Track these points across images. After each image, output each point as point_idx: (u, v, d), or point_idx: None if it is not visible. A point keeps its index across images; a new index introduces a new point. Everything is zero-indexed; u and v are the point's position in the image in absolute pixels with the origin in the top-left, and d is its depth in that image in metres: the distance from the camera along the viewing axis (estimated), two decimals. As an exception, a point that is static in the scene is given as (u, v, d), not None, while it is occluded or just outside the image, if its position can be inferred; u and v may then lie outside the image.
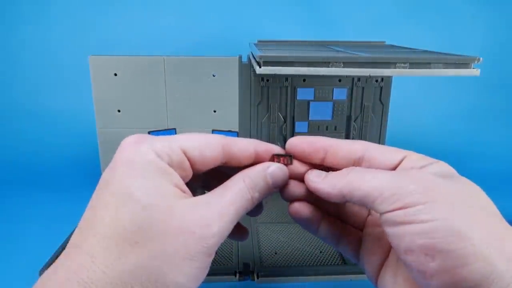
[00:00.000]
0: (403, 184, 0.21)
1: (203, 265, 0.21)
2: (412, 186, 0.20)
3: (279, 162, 0.26)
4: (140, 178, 0.21)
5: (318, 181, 0.25)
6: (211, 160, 0.24)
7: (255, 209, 0.26)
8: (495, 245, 0.19)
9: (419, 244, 0.20)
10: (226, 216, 0.22)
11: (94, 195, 0.22)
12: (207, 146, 0.24)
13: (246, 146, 0.25)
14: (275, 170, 0.25)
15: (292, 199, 0.27)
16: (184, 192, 0.22)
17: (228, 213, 0.22)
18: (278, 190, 0.26)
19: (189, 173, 0.23)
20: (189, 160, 0.23)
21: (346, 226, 0.28)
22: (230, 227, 0.22)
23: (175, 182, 0.22)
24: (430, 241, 0.19)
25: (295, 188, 0.26)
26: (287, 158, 0.26)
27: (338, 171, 0.25)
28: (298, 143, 0.26)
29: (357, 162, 0.25)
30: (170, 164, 0.22)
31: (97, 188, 0.22)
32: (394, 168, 0.24)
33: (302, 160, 0.27)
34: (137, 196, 0.20)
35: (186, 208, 0.21)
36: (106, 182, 0.22)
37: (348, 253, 0.28)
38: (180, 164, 0.23)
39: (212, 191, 0.23)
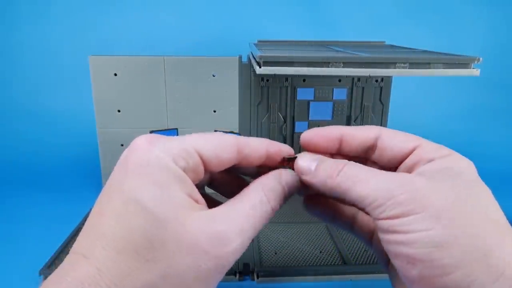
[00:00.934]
0: (392, 194, 0.21)
1: (215, 282, 0.20)
2: (401, 196, 0.21)
3: (288, 165, 0.25)
4: (155, 187, 0.20)
5: (307, 173, 0.24)
6: (226, 162, 0.23)
7: None
8: (476, 256, 0.19)
9: (402, 253, 0.21)
10: (246, 232, 0.21)
11: (102, 198, 0.21)
12: (223, 149, 0.22)
13: (258, 147, 0.24)
14: (290, 179, 0.24)
15: (306, 194, 0.27)
16: (197, 201, 0.21)
17: (248, 228, 0.21)
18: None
19: (201, 176, 0.22)
20: (203, 162, 0.22)
21: (359, 212, 0.28)
22: (248, 243, 0.21)
23: (189, 191, 0.21)
24: (411, 250, 0.20)
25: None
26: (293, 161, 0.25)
27: (331, 162, 0.24)
28: (312, 136, 0.26)
29: (371, 150, 0.26)
30: (186, 170, 0.21)
31: (106, 190, 0.21)
32: (406, 157, 0.24)
33: (317, 152, 0.26)
34: (151, 208, 0.19)
35: (201, 223, 0.20)
36: (117, 187, 0.20)
37: (361, 239, 0.28)
38: (195, 168, 0.22)
39: (229, 202, 0.22)
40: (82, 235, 0.20)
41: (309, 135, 0.26)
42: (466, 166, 0.22)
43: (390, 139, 0.25)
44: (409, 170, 0.24)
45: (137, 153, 0.21)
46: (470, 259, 0.19)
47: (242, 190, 0.23)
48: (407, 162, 0.24)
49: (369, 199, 0.22)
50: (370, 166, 0.27)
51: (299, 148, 0.29)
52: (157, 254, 0.19)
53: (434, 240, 0.20)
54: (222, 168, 0.23)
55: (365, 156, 0.27)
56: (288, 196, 0.24)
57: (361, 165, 0.24)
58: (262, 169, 0.25)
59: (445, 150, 0.23)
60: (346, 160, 0.24)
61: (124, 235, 0.19)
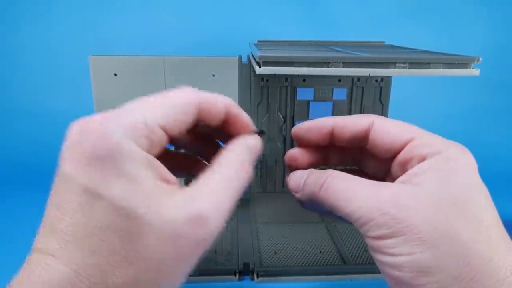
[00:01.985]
0: (373, 216, 0.20)
1: (197, 260, 0.19)
2: (383, 218, 0.20)
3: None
4: (121, 179, 0.17)
5: (297, 190, 0.25)
6: (188, 124, 0.21)
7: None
8: (464, 283, 0.19)
9: (390, 274, 0.21)
10: (224, 206, 0.19)
11: (60, 192, 0.18)
12: (184, 111, 0.21)
13: (218, 111, 0.23)
14: (257, 144, 0.24)
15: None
16: (169, 181, 0.19)
17: (226, 202, 0.19)
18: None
19: (165, 145, 0.21)
20: (165, 132, 0.20)
21: None
22: (227, 216, 0.19)
23: (159, 174, 0.19)
24: (397, 273, 0.20)
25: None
26: (263, 135, 0.25)
27: (315, 176, 0.24)
28: (303, 131, 0.26)
29: (364, 140, 0.25)
30: (150, 149, 0.19)
31: (61, 183, 0.18)
32: (400, 150, 0.23)
33: (310, 146, 0.27)
34: (121, 204, 0.17)
35: (177, 208, 0.18)
36: (76, 181, 0.18)
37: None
38: (160, 143, 0.20)
39: (203, 177, 0.20)
40: (45, 233, 0.19)
41: (300, 130, 0.26)
42: (460, 164, 0.21)
43: (382, 130, 0.24)
44: (403, 168, 0.23)
45: (91, 139, 0.18)
46: (458, 284, 0.19)
47: (214, 161, 0.21)
48: (400, 158, 0.23)
49: (354, 217, 0.21)
50: (366, 158, 0.27)
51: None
52: (135, 249, 0.17)
53: (420, 265, 0.19)
54: (184, 131, 0.22)
55: (359, 146, 0.26)
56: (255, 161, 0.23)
57: (343, 176, 0.23)
58: (224, 130, 0.25)
59: (440, 144, 0.22)
60: (330, 170, 0.24)
61: (96, 233, 0.17)
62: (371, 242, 0.21)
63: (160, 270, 0.18)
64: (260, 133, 0.25)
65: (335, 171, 0.24)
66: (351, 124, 0.25)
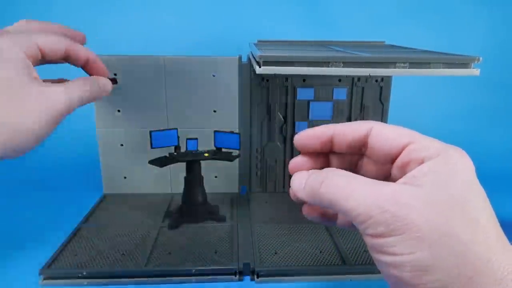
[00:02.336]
0: (372, 213, 0.21)
1: (51, 122, 0.30)
2: (383, 215, 0.20)
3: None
4: (7, 64, 0.29)
5: (299, 190, 0.25)
6: (58, 58, 0.34)
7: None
8: (463, 280, 0.19)
9: (390, 274, 0.21)
10: (71, 94, 0.32)
11: None
12: (56, 51, 0.33)
13: (81, 58, 0.35)
14: (106, 83, 0.38)
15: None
16: (36, 78, 0.31)
17: (73, 94, 0.32)
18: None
19: (38, 62, 0.32)
20: (41, 51, 0.32)
21: None
22: (75, 101, 0.32)
23: (33, 72, 0.30)
24: (399, 273, 0.20)
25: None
26: (114, 82, 0.39)
27: (315, 174, 0.25)
28: (304, 139, 0.27)
29: (364, 146, 0.26)
30: (29, 57, 0.30)
31: None
32: (398, 154, 0.23)
33: (312, 153, 0.28)
34: (13, 83, 0.29)
35: (44, 86, 0.30)
36: None
37: None
38: (35, 58, 0.31)
39: (64, 82, 0.33)
40: None
41: (301, 137, 0.27)
42: (459, 167, 0.21)
43: (380, 135, 0.24)
44: (402, 171, 0.23)
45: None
46: (457, 284, 0.19)
47: (75, 79, 0.34)
48: (399, 161, 0.23)
49: (353, 214, 0.21)
50: (366, 163, 0.28)
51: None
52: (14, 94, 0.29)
53: (420, 264, 0.19)
54: (57, 59, 0.34)
55: (359, 153, 0.27)
56: (102, 92, 0.37)
57: (344, 173, 0.24)
58: (89, 72, 0.37)
59: (437, 148, 0.22)
60: (331, 168, 0.25)
61: None
62: (370, 241, 0.21)
63: (26, 113, 0.29)
64: (112, 79, 0.39)
65: (336, 168, 0.24)
66: (350, 130, 0.26)
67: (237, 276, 0.42)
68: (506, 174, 0.72)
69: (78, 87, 0.33)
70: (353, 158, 0.28)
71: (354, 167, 0.28)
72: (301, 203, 0.28)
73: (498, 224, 0.21)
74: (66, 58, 0.35)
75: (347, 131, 0.26)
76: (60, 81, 0.36)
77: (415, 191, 0.21)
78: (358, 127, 0.25)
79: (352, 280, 0.42)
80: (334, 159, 0.28)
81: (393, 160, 0.24)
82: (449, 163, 0.21)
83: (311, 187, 0.24)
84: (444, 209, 0.20)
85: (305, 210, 0.28)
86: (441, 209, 0.20)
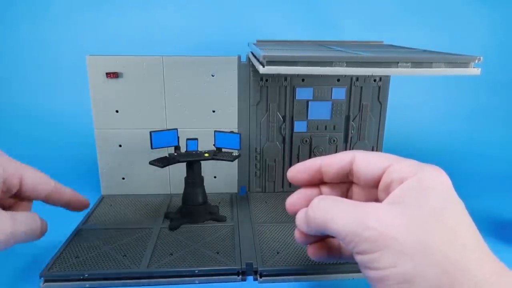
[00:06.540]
0: (358, 231, 0.22)
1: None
2: (367, 233, 0.22)
3: None
4: None
5: (300, 224, 0.29)
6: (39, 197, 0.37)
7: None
8: (443, 286, 0.20)
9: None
10: (17, 227, 0.32)
11: None
12: (42, 183, 0.37)
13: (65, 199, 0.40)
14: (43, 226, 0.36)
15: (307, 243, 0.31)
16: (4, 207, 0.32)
17: (19, 228, 0.32)
18: None
19: (11, 193, 0.35)
20: (21, 188, 0.35)
21: None
22: (20, 234, 0.33)
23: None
24: (384, 287, 0.21)
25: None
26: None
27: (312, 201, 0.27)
28: (295, 173, 0.30)
29: (350, 174, 0.28)
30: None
31: None
32: (380, 178, 0.26)
33: (303, 185, 0.31)
34: None
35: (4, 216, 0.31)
36: None
37: None
38: (9, 189, 0.34)
39: (17, 212, 0.34)
40: None
41: (292, 173, 0.31)
42: (435, 182, 0.23)
43: (363, 162, 0.27)
44: (386, 192, 0.25)
45: None
46: None
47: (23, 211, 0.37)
48: (382, 184, 0.26)
49: (341, 235, 0.23)
50: (355, 190, 0.30)
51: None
52: None
53: (404, 276, 0.21)
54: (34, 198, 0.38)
55: (348, 181, 0.30)
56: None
57: (331, 197, 0.26)
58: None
59: (414, 168, 0.24)
60: (320, 196, 0.27)
61: None
62: (359, 258, 0.23)
63: None
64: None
65: (325, 195, 0.28)
66: (335, 161, 0.29)
67: (240, 276, 0.42)
68: (506, 174, 0.72)
69: (24, 222, 0.33)
70: (343, 187, 0.31)
71: (345, 196, 0.31)
72: (306, 244, 0.31)
73: (477, 232, 0.22)
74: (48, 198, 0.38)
75: (333, 161, 0.29)
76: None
77: (396, 208, 0.23)
78: (343, 156, 0.28)
79: (353, 278, 0.42)
80: (325, 190, 0.31)
81: (377, 183, 0.26)
82: (425, 180, 0.23)
83: (305, 214, 0.28)
84: (421, 221, 0.21)
85: (309, 251, 0.31)
86: (419, 222, 0.21)
